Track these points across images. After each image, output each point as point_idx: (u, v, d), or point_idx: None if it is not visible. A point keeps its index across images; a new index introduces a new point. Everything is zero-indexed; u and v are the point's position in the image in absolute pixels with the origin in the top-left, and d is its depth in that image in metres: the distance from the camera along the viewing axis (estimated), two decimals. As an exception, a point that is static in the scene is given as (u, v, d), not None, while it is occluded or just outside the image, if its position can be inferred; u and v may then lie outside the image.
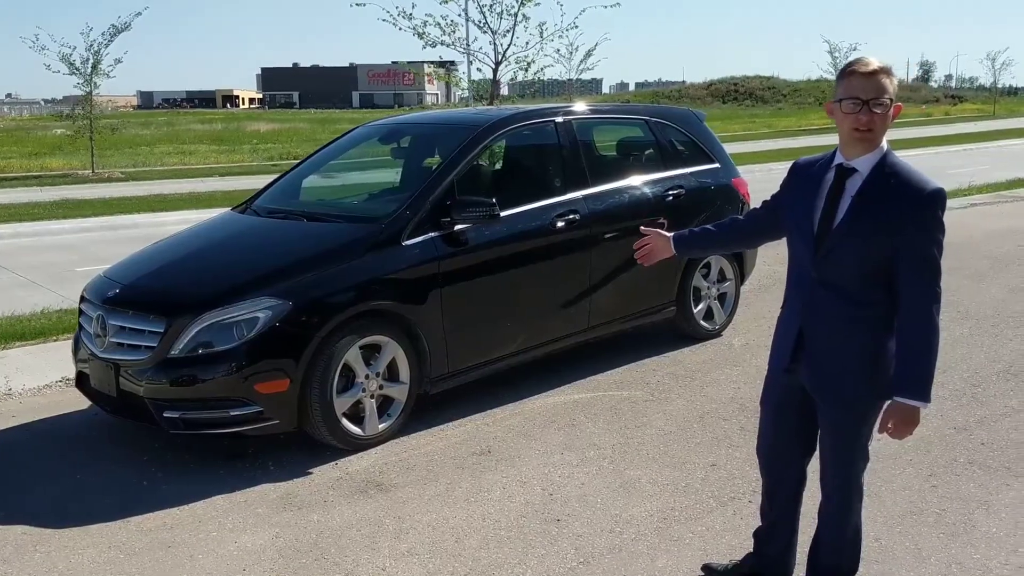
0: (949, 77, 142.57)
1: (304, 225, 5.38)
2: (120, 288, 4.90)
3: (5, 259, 11.49)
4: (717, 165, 6.80)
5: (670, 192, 6.35)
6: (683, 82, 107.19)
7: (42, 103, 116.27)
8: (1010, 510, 3.99)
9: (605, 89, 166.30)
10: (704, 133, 6.89)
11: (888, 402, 2.83)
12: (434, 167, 5.46)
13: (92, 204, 16.97)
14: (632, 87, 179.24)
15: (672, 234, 3.43)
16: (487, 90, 14.85)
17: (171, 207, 16.42)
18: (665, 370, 6.05)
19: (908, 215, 2.71)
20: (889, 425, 2.80)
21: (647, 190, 6.24)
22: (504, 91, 15.69)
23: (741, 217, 3.42)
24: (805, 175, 2.98)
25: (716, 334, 6.75)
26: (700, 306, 6.63)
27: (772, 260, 9.50)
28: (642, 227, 3.53)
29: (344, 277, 4.77)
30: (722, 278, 6.77)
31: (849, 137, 2.77)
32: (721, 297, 6.79)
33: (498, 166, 6.69)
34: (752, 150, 28.74)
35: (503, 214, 5.29)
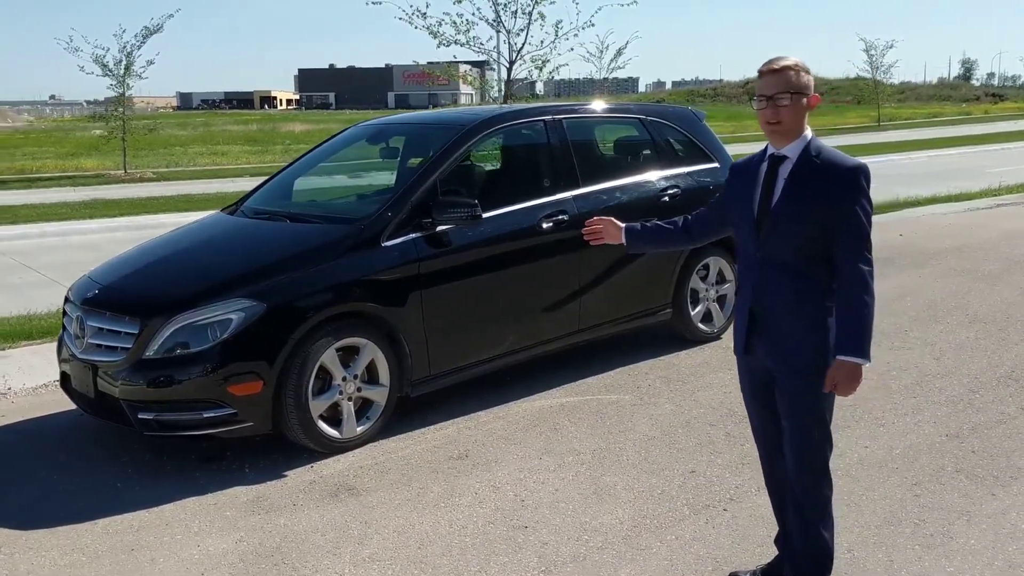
0: (991, 75, 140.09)
1: (286, 226, 5.36)
2: (99, 289, 4.91)
3: (30, 258, 11.65)
4: (716, 164, 6.67)
5: (666, 192, 6.24)
6: (720, 80, 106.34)
7: (84, 104, 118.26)
8: (991, 521, 3.85)
9: (641, 88, 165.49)
10: (703, 132, 6.77)
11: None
12: (416, 167, 5.41)
13: (120, 204, 17.17)
14: (669, 86, 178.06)
15: (624, 224, 3.56)
16: (522, 90, 14.80)
17: (196, 207, 16.53)
18: (657, 373, 5.95)
19: (835, 190, 2.91)
20: (835, 383, 2.94)
21: (642, 190, 6.14)
22: (540, 90, 15.62)
23: (690, 217, 3.53)
24: (743, 172, 3.19)
25: (715, 337, 6.62)
26: (698, 308, 6.51)
27: (783, 261, 9.35)
28: (596, 216, 3.65)
29: (321, 278, 4.73)
30: (721, 280, 6.64)
31: (764, 130, 3.04)
32: (720, 299, 6.66)
33: (486, 166, 6.62)
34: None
35: (487, 215, 5.23)
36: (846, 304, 2.93)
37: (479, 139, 5.59)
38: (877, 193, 12.00)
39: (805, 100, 2.96)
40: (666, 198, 6.22)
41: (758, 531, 3.84)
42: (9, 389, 6.02)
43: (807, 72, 2.99)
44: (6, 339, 7.14)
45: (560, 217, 5.60)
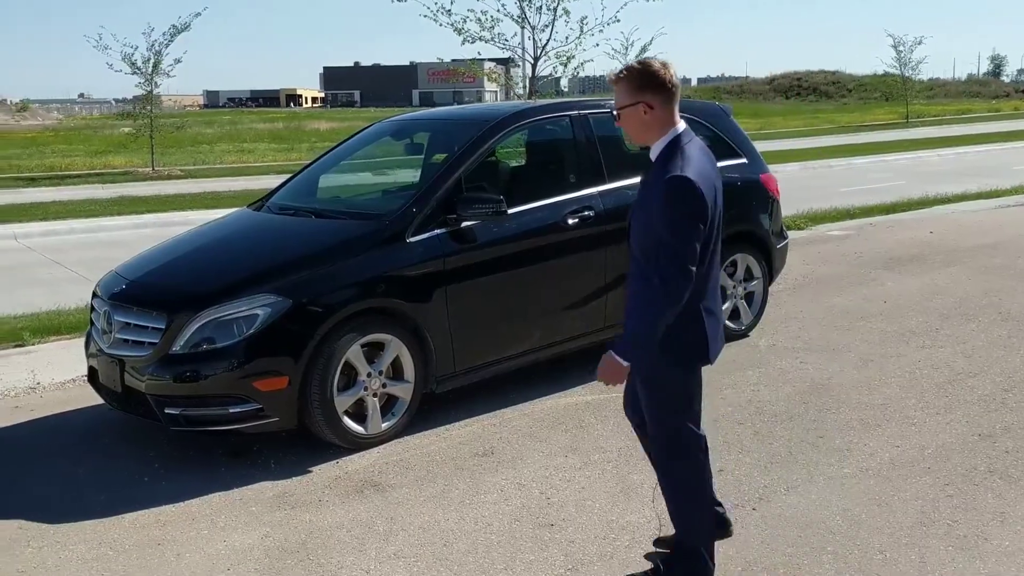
0: (1022, 72, 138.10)
1: (311, 222, 5.36)
2: (126, 284, 4.94)
3: (59, 255, 11.77)
4: (744, 160, 6.60)
5: (693, 188, 6.17)
6: (746, 77, 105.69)
7: (112, 103, 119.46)
8: (1027, 523, 3.78)
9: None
10: (730, 127, 6.70)
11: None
12: (441, 163, 5.39)
13: (148, 201, 17.29)
14: (694, 82, 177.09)
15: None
16: (547, 87, 14.76)
17: (223, 204, 16.59)
18: (684, 371, 5.88)
19: (655, 198, 2.98)
20: (598, 369, 3.08)
21: (668, 186, 6.07)
22: (564, 87, 15.62)
23: None
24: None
25: (743, 334, 6.56)
26: (725, 305, 6.44)
27: (811, 259, 9.27)
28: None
29: (346, 274, 4.73)
30: (749, 276, 6.58)
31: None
32: (748, 296, 6.60)
33: (511, 162, 6.58)
34: (811, 146, 28.18)
35: (512, 211, 5.20)
36: (630, 304, 3.06)
37: (504, 135, 5.56)
38: (905, 189, 11.85)
39: (641, 110, 3.01)
40: (693, 194, 6.15)
41: (788, 531, 3.79)
42: (38, 384, 6.07)
43: (643, 79, 3.01)
44: (35, 334, 7.20)
45: (586, 213, 5.56)
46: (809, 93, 76.04)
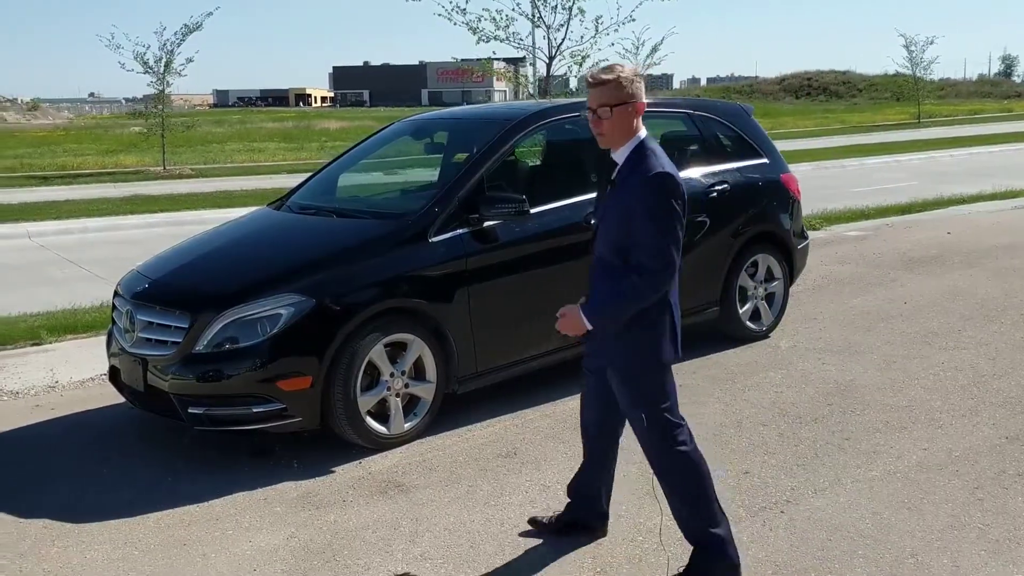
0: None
1: (333, 221, 5.34)
2: (149, 283, 4.92)
3: (72, 253, 11.79)
4: (765, 160, 6.57)
5: (714, 188, 6.15)
6: (755, 77, 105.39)
7: (123, 102, 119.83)
8: (1060, 528, 3.73)
9: (676, 84, 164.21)
10: (752, 127, 6.66)
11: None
12: (462, 162, 5.36)
13: (160, 200, 17.31)
14: (704, 82, 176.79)
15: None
16: (556, 87, 14.71)
17: (236, 203, 16.61)
18: (705, 372, 5.86)
19: (637, 197, 3.10)
20: (563, 315, 3.24)
21: (689, 186, 5.99)
22: (573, 86, 15.57)
23: None
24: (602, 168, 3.43)
25: (763, 336, 6.52)
26: (746, 306, 6.41)
27: (829, 260, 9.23)
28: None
29: (369, 274, 4.71)
30: (770, 277, 6.54)
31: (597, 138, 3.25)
32: (769, 297, 6.56)
33: (532, 161, 6.55)
34: (823, 146, 28.07)
35: (534, 210, 5.17)
36: (612, 283, 3.17)
37: (525, 134, 5.52)
38: (919, 190, 11.84)
39: (630, 109, 3.13)
40: (714, 194, 6.13)
41: (817, 534, 3.75)
42: (56, 382, 6.07)
43: (629, 82, 3.13)
44: (52, 332, 7.20)
45: (608, 213, 5.52)
46: (819, 93, 75.77)
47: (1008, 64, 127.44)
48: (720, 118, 6.50)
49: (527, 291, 5.22)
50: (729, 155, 6.42)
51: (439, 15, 13.44)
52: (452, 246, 4.92)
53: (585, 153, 5.84)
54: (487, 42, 13.58)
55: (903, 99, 53.10)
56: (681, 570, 3.44)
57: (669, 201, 3.07)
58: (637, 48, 22.56)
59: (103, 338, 7.13)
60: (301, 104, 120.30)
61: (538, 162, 6.43)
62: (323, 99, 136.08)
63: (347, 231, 5.09)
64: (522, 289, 5.20)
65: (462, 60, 24.45)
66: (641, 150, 3.18)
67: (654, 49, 21.97)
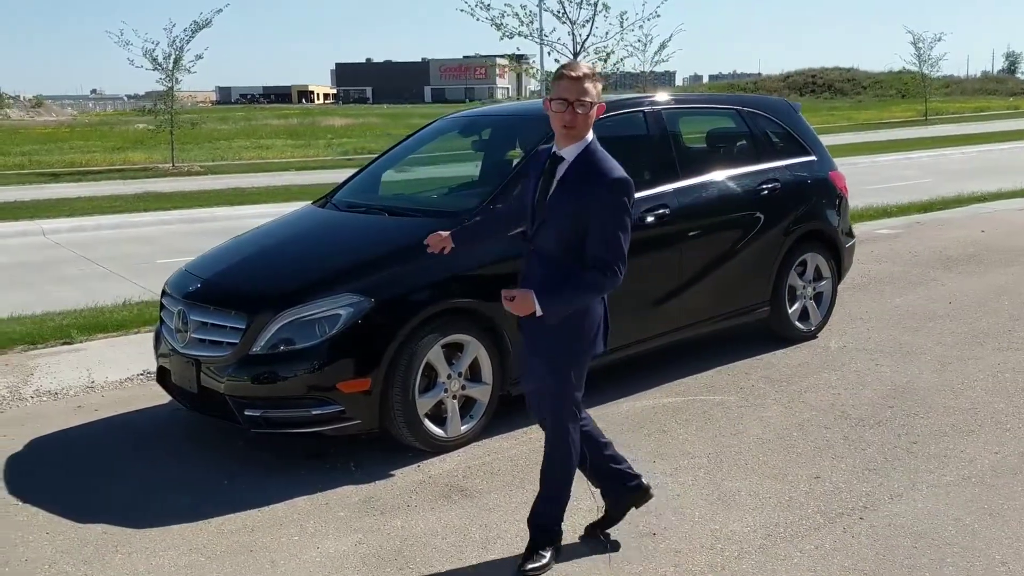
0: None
1: (385, 220, 5.22)
2: (201, 283, 4.81)
3: (88, 250, 11.70)
4: (813, 158, 6.46)
5: (764, 185, 6.04)
6: (759, 74, 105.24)
7: (125, 99, 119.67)
8: None
9: (678, 82, 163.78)
10: (799, 124, 6.55)
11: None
12: (515, 160, 5.24)
13: (172, 197, 17.20)
14: (706, 79, 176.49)
15: (451, 231, 3.82)
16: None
17: (249, 200, 16.55)
18: (758, 373, 5.75)
19: (596, 197, 3.20)
20: (512, 298, 3.23)
21: (740, 183, 5.94)
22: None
23: (503, 206, 3.97)
24: (535, 163, 3.50)
25: (811, 336, 6.41)
26: (795, 306, 6.31)
27: (865, 258, 9.12)
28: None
29: (427, 273, 4.60)
30: (818, 276, 6.44)
31: (557, 132, 3.29)
32: (817, 297, 6.46)
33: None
34: (832, 143, 27.85)
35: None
36: (570, 278, 3.24)
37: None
38: (933, 187, 11.81)
39: (596, 107, 3.24)
40: (765, 192, 6.02)
41: (902, 541, 3.65)
42: (93, 382, 5.97)
43: (600, 82, 3.31)
44: (82, 331, 7.10)
45: (661, 211, 5.42)
46: (824, 90, 75.64)
47: (1012, 61, 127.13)
48: (768, 114, 6.39)
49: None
50: (778, 152, 6.31)
51: (462, 11, 13.35)
52: (508, 244, 4.80)
53: (638, 149, 5.75)
54: (511, 38, 13.51)
55: (908, 96, 52.96)
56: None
57: (628, 204, 3.23)
58: (645, 45, 22.41)
59: (134, 337, 7.09)
60: (304, 101, 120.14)
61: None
62: (325, 96, 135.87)
63: (402, 230, 4.98)
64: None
65: (464, 57, 24.33)
66: (594, 151, 3.28)
67: (662, 46, 21.82)
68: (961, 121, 42.18)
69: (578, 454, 3.56)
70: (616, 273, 3.25)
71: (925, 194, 14.05)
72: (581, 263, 3.26)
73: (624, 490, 3.74)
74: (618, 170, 3.24)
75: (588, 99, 3.20)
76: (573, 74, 3.21)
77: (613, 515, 3.78)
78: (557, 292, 3.24)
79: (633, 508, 3.79)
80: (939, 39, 42.68)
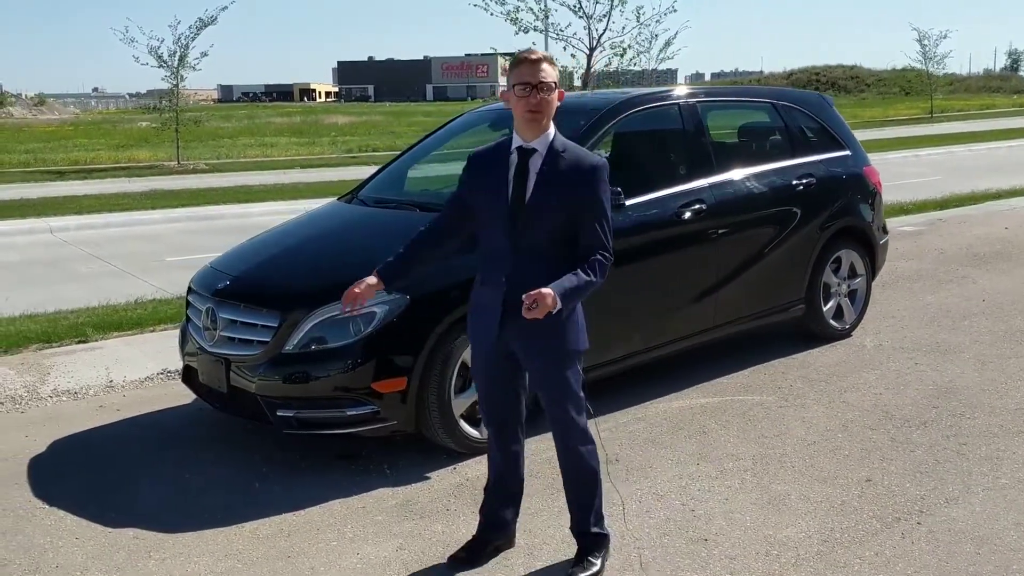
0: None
1: (416, 215, 5.06)
2: (231, 280, 4.67)
3: (97, 248, 11.57)
4: (848, 152, 6.33)
5: (799, 181, 5.90)
6: (761, 72, 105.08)
7: (127, 97, 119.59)
8: None
9: (680, 79, 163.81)
10: (834, 118, 6.42)
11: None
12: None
13: (179, 195, 17.07)
14: (708, 77, 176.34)
15: (374, 273, 3.46)
16: (562, 81, 14.47)
17: (256, 198, 16.42)
18: (795, 373, 5.62)
19: (581, 184, 3.15)
20: (532, 301, 3.02)
21: (775, 178, 5.79)
22: (576, 83, 15.30)
23: (430, 224, 3.51)
24: (484, 163, 3.32)
25: (845, 334, 6.28)
26: (830, 304, 6.17)
27: (891, 255, 8.94)
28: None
29: (462, 269, 4.44)
30: (853, 274, 6.31)
31: (523, 119, 3.16)
32: (851, 294, 6.32)
33: (619, 151, 6.29)
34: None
35: (628, 203, 4.92)
36: (576, 273, 3.13)
37: (615, 122, 5.24)
38: (943, 185, 11.73)
39: (555, 93, 3.15)
40: (800, 187, 5.88)
41: (964, 547, 3.52)
42: (112, 382, 5.84)
43: (556, 67, 3.25)
44: (97, 330, 6.97)
45: (698, 206, 5.28)
46: (827, 88, 75.10)
47: (1014, 59, 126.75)
48: (802, 108, 6.25)
49: (619, 288, 4.94)
50: (813, 147, 6.17)
51: (475, 6, 13.20)
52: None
53: (674, 143, 5.63)
54: (526, 33, 13.35)
55: (912, 94, 52.78)
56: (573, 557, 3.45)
57: (608, 189, 3.22)
58: (650, 42, 22.23)
59: (150, 335, 6.95)
60: (305, 99, 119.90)
61: (629, 152, 6.08)
62: (327, 94, 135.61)
63: (435, 225, 4.83)
64: (614, 286, 4.90)
65: (466, 55, 24.21)
66: (565, 140, 3.24)
67: (667, 43, 21.65)
68: (967, 119, 42.02)
69: (594, 447, 3.46)
70: (611, 257, 3.24)
71: (937, 191, 13.91)
72: (572, 253, 3.20)
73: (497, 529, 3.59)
74: (596, 155, 3.26)
75: (551, 79, 3.13)
76: (532, 57, 3.15)
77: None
78: (570, 284, 3.13)
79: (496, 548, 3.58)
80: (945, 36, 42.58)
